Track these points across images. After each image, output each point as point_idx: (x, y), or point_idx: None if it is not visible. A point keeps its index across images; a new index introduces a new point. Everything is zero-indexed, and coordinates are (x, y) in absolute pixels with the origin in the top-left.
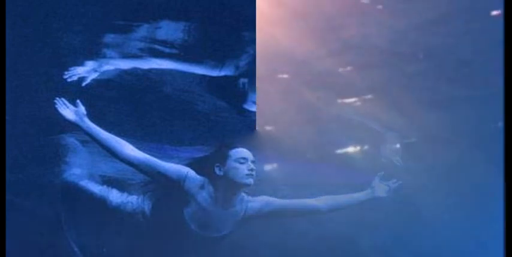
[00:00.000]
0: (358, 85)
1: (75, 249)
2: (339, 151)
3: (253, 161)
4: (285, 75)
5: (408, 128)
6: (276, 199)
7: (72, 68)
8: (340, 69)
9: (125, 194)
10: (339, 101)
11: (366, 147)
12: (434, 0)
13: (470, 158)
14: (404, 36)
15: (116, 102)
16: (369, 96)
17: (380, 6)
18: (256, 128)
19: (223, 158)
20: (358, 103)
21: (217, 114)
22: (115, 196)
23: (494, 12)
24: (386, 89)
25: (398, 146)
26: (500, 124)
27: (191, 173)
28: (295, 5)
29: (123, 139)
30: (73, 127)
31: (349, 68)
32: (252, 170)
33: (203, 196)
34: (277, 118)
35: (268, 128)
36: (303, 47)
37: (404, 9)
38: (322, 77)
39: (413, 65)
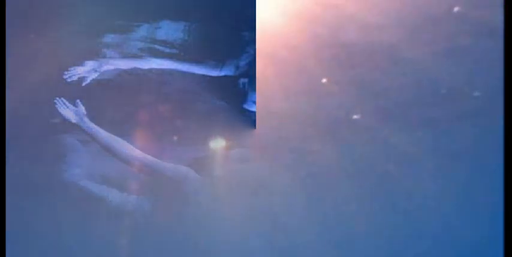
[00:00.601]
0: (362, 94)
1: (75, 248)
2: (339, 151)
3: (252, 162)
4: (286, 76)
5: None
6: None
7: (72, 68)
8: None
9: (125, 194)
10: (341, 106)
11: (365, 148)
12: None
13: (471, 161)
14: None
15: (116, 102)
16: (373, 109)
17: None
18: (256, 128)
19: (223, 158)
20: (361, 115)
21: (217, 114)
22: (115, 196)
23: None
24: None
25: None
26: (500, 127)
27: (191, 173)
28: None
29: (123, 139)
30: (73, 127)
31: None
32: (251, 170)
33: (203, 196)
34: (277, 118)
35: (268, 128)
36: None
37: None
38: (322, 79)
39: (416, 87)
